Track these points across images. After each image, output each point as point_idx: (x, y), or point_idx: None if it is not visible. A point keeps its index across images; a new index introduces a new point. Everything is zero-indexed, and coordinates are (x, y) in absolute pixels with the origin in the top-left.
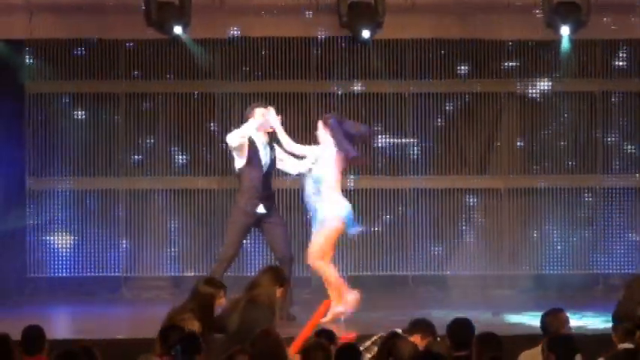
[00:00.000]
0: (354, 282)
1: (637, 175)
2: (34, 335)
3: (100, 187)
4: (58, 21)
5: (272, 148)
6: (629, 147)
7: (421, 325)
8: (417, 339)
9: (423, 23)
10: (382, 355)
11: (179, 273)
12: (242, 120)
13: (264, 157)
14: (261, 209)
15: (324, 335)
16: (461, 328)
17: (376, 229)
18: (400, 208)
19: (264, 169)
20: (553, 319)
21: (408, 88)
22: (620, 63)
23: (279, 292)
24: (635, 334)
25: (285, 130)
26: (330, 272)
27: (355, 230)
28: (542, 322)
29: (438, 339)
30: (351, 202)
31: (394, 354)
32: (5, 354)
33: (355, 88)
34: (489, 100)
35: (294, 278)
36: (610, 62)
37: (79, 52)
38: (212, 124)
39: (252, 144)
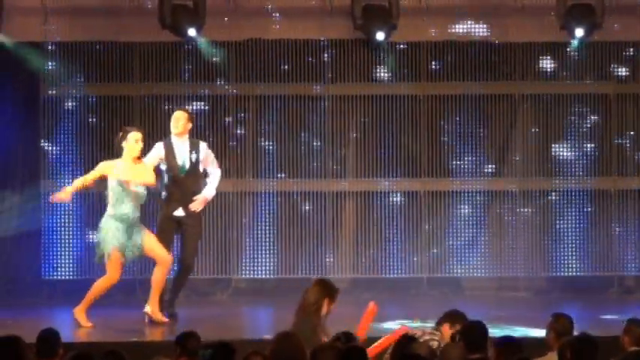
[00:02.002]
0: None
1: None
2: (48, 338)
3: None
4: (73, 23)
5: (193, 151)
6: None
7: (449, 315)
8: (445, 328)
9: (436, 26)
10: (396, 357)
11: (193, 275)
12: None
13: (181, 160)
14: (179, 212)
15: (343, 336)
16: (475, 330)
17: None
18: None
19: (181, 172)
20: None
21: (423, 91)
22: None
23: (326, 303)
24: None
25: (298, 133)
26: None
27: None
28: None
29: (453, 342)
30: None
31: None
32: (17, 357)
33: (369, 90)
34: (503, 102)
35: None
36: (623, 65)
37: (94, 55)
38: (226, 126)
39: (169, 148)
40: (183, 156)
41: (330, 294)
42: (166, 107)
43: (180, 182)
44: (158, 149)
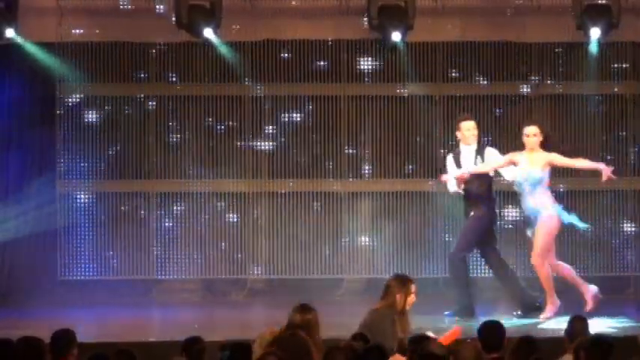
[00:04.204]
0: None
1: None
2: (62, 338)
3: (130, 189)
4: (89, 24)
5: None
6: None
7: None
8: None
9: (453, 26)
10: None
11: (209, 276)
12: (272, 123)
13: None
14: None
15: (360, 338)
16: (492, 330)
17: None
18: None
19: None
20: (577, 324)
21: (439, 91)
22: None
23: (401, 298)
24: None
25: (314, 133)
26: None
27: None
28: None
29: (469, 340)
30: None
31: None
32: (38, 357)
33: (385, 90)
34: (518, 102)
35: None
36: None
37: (111, 55)
38: (242, 126)
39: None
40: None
41: (402, 289)
42: (182, 107)
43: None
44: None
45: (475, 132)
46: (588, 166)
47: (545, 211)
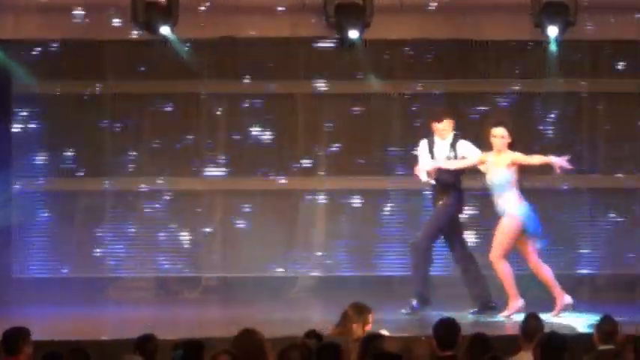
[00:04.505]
0: None
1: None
2: (14, 336)
3: (85, 188)
4: (44, 21)
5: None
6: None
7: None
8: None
9: (411, 23)
10: (364, 356)
11: (164, 274)
12: (228, 121)
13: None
14: None
15: (313, 335)
16: (446, 328)
17: None
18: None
19: None
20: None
21: (396, 89)
22: (609, 64)
23: (358, 328)
24: (616, 336)
25: (271, 130)
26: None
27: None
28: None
29: (423, 338)
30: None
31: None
32: None
33: (342, 88)
34: (476, 100)
35: None
36: (598, 63)
37: (65, 53)
38: (199, 124)
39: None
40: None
41: (360, 318)
42: (137, 105)
43: None
44: None
45: (451, 129)
46: (543, 161)
47: (510, 211)
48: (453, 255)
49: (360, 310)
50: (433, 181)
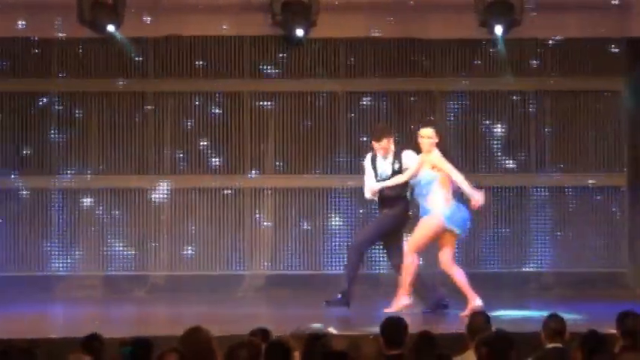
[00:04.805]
0: None
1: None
2: None
3: (30, 185)
4: None
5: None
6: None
7: None
8: None
9: (356, 22)
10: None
11: (111, 272)
12: (174, 119)
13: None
14: None
15: (259, 333)
16: (394, 326)
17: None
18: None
19: None
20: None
21: (342, 87)
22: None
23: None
24: (564, 334)
25: (217, 129)
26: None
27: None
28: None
29: (371, 337)
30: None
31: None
32: None
33: (288, 87)
34: (422, 98)
35: None
36: (542, 62)
37: (11, 51)
38: (145, 122)
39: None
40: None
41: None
42: (83, 103)
43: None
44: None
45: (392, 145)
46: (463, 186)
47: (433, 211)
48: (391, 262)
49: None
50: (376, 199)
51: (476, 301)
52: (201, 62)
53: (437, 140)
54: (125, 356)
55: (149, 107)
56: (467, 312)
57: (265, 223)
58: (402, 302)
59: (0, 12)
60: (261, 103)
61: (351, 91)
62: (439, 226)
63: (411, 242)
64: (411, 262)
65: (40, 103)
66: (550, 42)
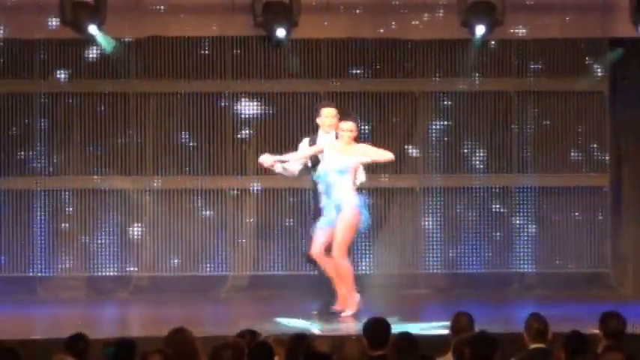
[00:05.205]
0: None
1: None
2: None
3: (14, 187)
4: None
5: None
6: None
7: None
8: None
9: (338, 23)
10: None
11: (94, 273)
12: (157, 120)
13: None
14: None
15: (247, 334)
16: (378, 327)
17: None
18: None
19: None
20: (461, 320)
21: (324, 88)
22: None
23: None
24: (547, 335)
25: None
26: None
27: None
28: (452, 324)
29: (354, 337)
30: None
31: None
32: None
33: (270, 88)
34: (404, 99)
35: None
36: (525, 62)
37: None
38: (128, 123)
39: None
40: None
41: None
42: (66, 104)
43: None
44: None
45: (334, 120)
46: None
47: (347, 202)
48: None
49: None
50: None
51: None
52: (182, 63)
53: (356, 133)
54: (108, 357)
55: (131, 108)
56: (349, 310)
57: (246, 224)
58: (354, 303)
59: None
60: (243, 103)
61: (333, 91)
62: (356, 217)
63: (340, 248)
64: (347, 265)
65: (24, 104)
66: (531, 42)
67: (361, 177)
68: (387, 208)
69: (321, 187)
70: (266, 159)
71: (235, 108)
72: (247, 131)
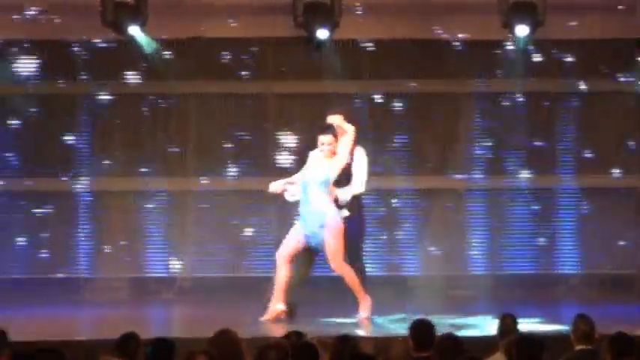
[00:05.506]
0: None
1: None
2: None
3: (60, 189)
4: (17, 22)
5: None
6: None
7: None
8: None
9: (379, 24)
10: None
11: (138, 274)
12: (199, 121)
13: None
14: None
15: (293, 335)
16: (424, 328)
17: None
18: None
19: None
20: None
21: (365, 89)
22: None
23: None
24: (593, 336)
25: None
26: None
27: None
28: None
29: (400, 339)
30: None
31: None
32: None
33: (312, 89)
34: (446, 101)
35: None
36: (565, 63)
37: (37, 54)
38: (169, 125)
39: None
40: None
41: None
42: (107, 106)
43: None
44: None
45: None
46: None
47: (330, 214)
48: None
49: None
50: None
51: (277, 305)
52: (224, 64)
53: (335, 146)
54: (148, 356)
55: (172, 110)
56: (363, 313)
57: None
58: (368, 304)
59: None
60: (284, 104)
61: (374, 93)
62: (339, 224)
63: (335, 259)
64: (350, 272)
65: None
66: (572, 43)
67: (344, 195)
68: (432, 210)
69: (303, 198)
70: (277, 186)
71: (277, 109)
72: (288, 132)
